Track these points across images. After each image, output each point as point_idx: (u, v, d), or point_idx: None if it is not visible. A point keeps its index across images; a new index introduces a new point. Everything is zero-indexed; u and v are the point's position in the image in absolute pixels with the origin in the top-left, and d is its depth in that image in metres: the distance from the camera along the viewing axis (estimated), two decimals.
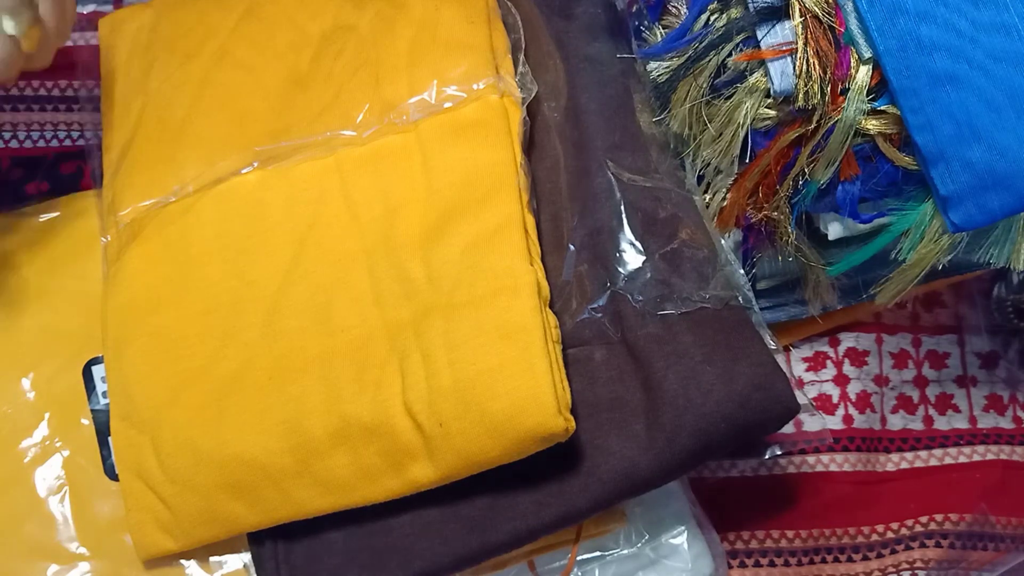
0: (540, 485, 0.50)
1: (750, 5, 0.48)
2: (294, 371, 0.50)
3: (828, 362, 0.66)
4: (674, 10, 0.52)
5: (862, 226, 0.52)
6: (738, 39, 0.49)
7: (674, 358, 0.49)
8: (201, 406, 0.51)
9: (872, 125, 0.47)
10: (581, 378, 0.51)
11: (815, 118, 0.48)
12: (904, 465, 0.64)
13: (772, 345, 0.51)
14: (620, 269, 0.51)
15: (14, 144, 0.66)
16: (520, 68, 0.55)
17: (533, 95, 0.55)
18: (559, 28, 0.58)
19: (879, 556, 0.62)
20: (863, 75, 0.47)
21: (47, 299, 0.57)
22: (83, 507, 0.54)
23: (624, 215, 0.52)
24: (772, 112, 0.49)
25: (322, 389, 0.50)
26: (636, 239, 0.52)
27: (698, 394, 0.48)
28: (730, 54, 0.49)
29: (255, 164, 0.55)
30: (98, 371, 0.55)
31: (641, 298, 0.51)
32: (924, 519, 0.63)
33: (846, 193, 0.50)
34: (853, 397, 0.65)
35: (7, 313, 0.56)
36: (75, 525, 0.53)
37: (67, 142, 0.67)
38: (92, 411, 0.55)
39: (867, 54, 0.47)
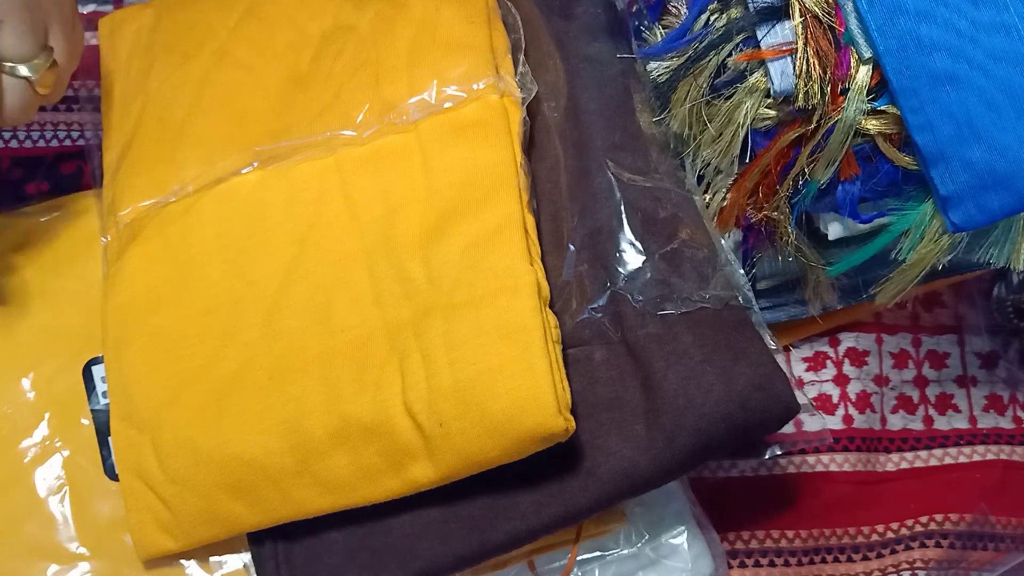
0: (540, 485, 0.50)
1: (750, 5, 0.48)
2: (294, 371, 0.50)
3: (828, 362, 0.66)
4: (674, 10, 0.52)
5: (862, 226, 0.52)
6: (738, 39, 0.49)
7: (674, 358, 0.49)
8: (201, 406, 0.51)
9: (872, 125, 0.47)
10: (581, 378, 0.51)
11: (815, 118, 0.48)
12: (904, 465, 0.64)
13: (772, 345, 0.51)
14: (620, 269, 0.51)
15: (14, 144, 0.66)
16: (520, 68, 0.55)
17: (533, 95, 0.55)
18: (559, 28, 0.58)
19: (879, 556, 0.62)
20: (863, 75, 0.47)
21: (47, 299, 0.57)
22: (83, 507, 0.54)
23: (624, 215, 0.52)
24: (772, 112, 0.49)
25: (322, 389, 0.50)
26: (636, 239, 0.52)
27: (698, 394, 0.48)
28: (730, 54, 0.49)
29: (255, 164, 0.55)
30: (98, 371, 0.55)
31: (641, 298, 0.51)
32: (924, 519, 0.63)
33: (846, 193, 0.50)
34: (853, 397, 0.65)
35: (7, 313, 0.56)
36: (75, 525, 0.53)
37: (67, 142, 0.67)
38: (92, 411, 0.55)
39: (867, 54, 0.47)
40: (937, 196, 0.48)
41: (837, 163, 0.49)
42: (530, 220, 0.51)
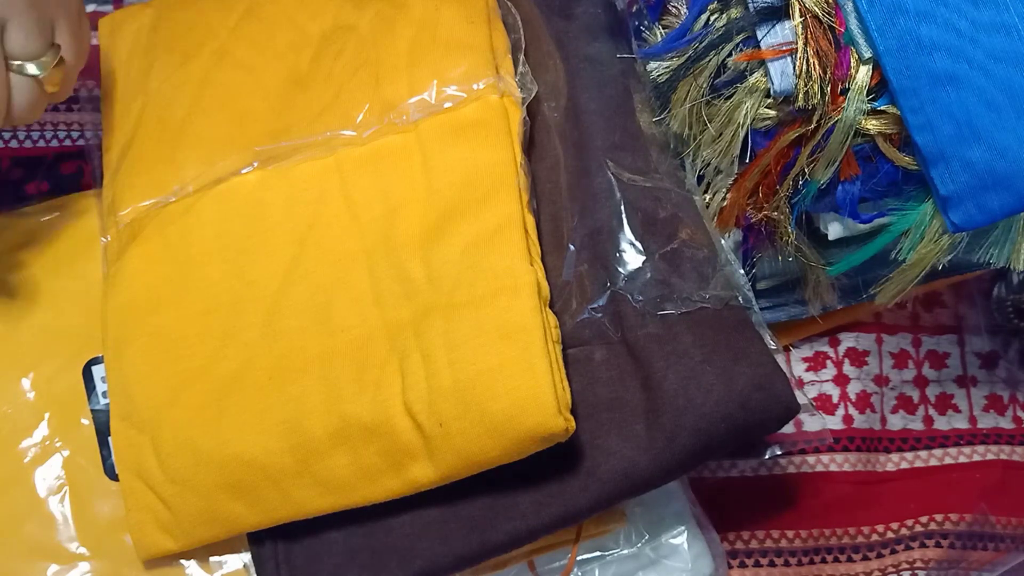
0: (540, 485, 0.50)
1: (750, 5, 0.48)
2: (294, 371, 0.50)
3: (828, 362, 0.66)
4: (674, 10, 0.52)
5: (862, 226, 0.52)
6: (738, 39, 0.49)
7: (674, 358, 0.49)
8: (201, 406, 0.51)
9: (872, 125, 0.47)
10: (581, 378, 0.51)
11: (815, 118, 0.48)
12: (904, 465, 0.64)
13: (772, 345, 0.51)
14: (620, 269, 0.51)
15: (14, 144, 0.66)
16: (520, 68, 0.55)
17: (533, 95, 0.55)
18: (559, 28, 0.58)
19: (879, 556, 0.62)
20: (863, 75, 0.47)
21: (47, 299, 0.57)
22: (83, 507, 0.54)
23: (624, 215, 0.52)
24: (772, 112, 0.49)
25: (322, 389, 0.50)
26: (636, 239, 0.52)
27: (698, 394, 0.48)
28: (730, 54, 0.49)
29: (255, 164, 0.55)
30: (98, 371, 0.55)
31: (641, 298, 0.51)
32: (924, 519, 0.63)
33: (846, 193, 0.50)
34: (853, 397, 0.65)
35: (7, 313, 0.56)
36: (75, 525, 0.53)
37: (67, 142, 0.67)
38: (92, 411, 0.55)
39: (867, 54, 0.47)
40: (937, 196, 0.48)
41: (837, 163, 0.49)
42: (530, 220, 0.51)
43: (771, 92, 0.48)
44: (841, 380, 0.65)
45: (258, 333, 0.52)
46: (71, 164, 0.66)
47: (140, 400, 0.52)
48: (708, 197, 0.54)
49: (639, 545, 0.56)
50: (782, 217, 0.52)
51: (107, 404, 0.54)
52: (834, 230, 0.54)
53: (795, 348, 0.66)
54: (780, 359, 0.50)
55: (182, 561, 0.53)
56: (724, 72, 0.50)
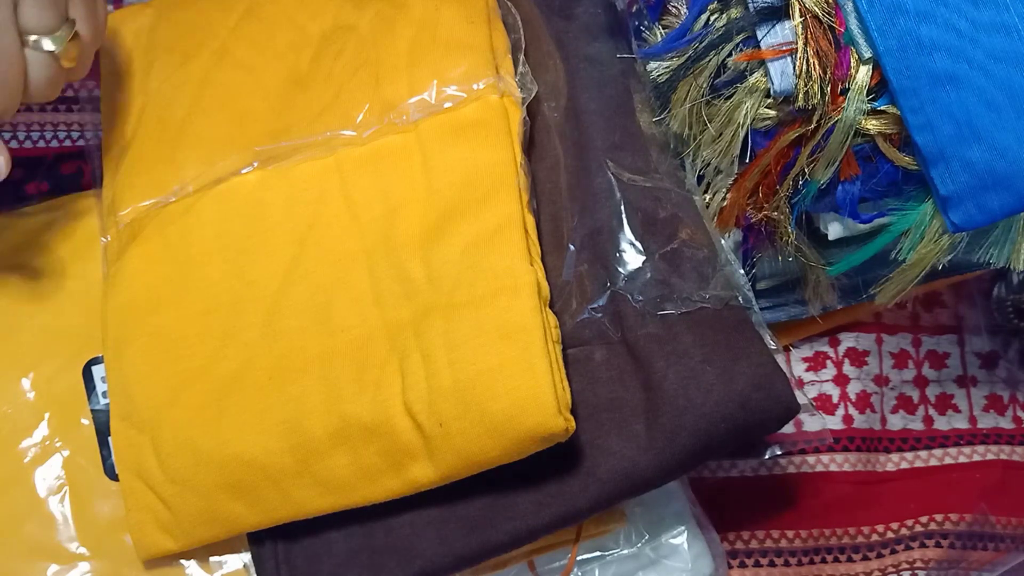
0: (540, 485, 0.50)
1: (750, 5, 0.48)
2: (294, 371, 0.50)
3: (828, 362, 0.66)
4: (674, 10, 0.52)
5: (862, 226, 0.52)
6: (738, 39, 0.49)
7: (674, 358, 0.49)
8: (201, 406, 0.51)
9: (872, 125, 0.47)
10: (581, 378, 0.51)
11: (815, 118, 0.48)
12: (904, 465, 0.64)
13: (772, 345, 0.51)
14: (620, 269, 0.51)
15: (14, 144, 0.66)
16: (520, 68, 0.55)
17: (533, 95, 0.55)
18: (559, 28, 0.58)
19: (879, 556, 0.62)
20: (863, 75, 0.47)
21: (47, 299, 0.57)
22: (83, 507, 0.54)
23: (624, 215, 0.52)
24: (772, 112, 0.49)
25: (322, 389, 0.50)
26: (636, 239, 0.52)
27: (698, 394, 0.48)
28: (730, 54, 0.49)
29: (255, 164, 0.55)
30: (98, 371, 0.55)
31: (641, 298, 0.51)
32: (924, 519, 0.63)
33: (846, 193, 0.50)
34: (853, 397, 0.65)
35: (7, 313, 0.56)
36: (75, 525, 0.53)
37: (67, 142, 0.67)
38: (92, 411, 0.55)
39: (867, 54, 0.47)
40: (937, 196, 0.48)
41: (837, 163, 0.49)
42: (530, 220, 0.51)
43: (771, 92, 0.48)
44: (841, 380, 0.65)
45: (258, 333, 0.52)
46: (71, 164, 0.66)
47: (140, 400, 0.52)
48: (708, 197, 0.54)
49: (639, 545, 0.56)
50: (782, 217, 0.52)
51: (107, 404, 0.54)
52: (834, 230, 0.54)
53: (795, 348, 0.66)
54: (780, 359, 0.50)
55: (182, 561, 0.53)
56: (724, 72, 0.50)
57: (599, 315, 0.51)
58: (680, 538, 0.57)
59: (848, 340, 0.66)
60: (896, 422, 0.65)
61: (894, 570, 0.62)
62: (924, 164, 0.48)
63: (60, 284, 0.57)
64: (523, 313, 0.48)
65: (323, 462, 0.49)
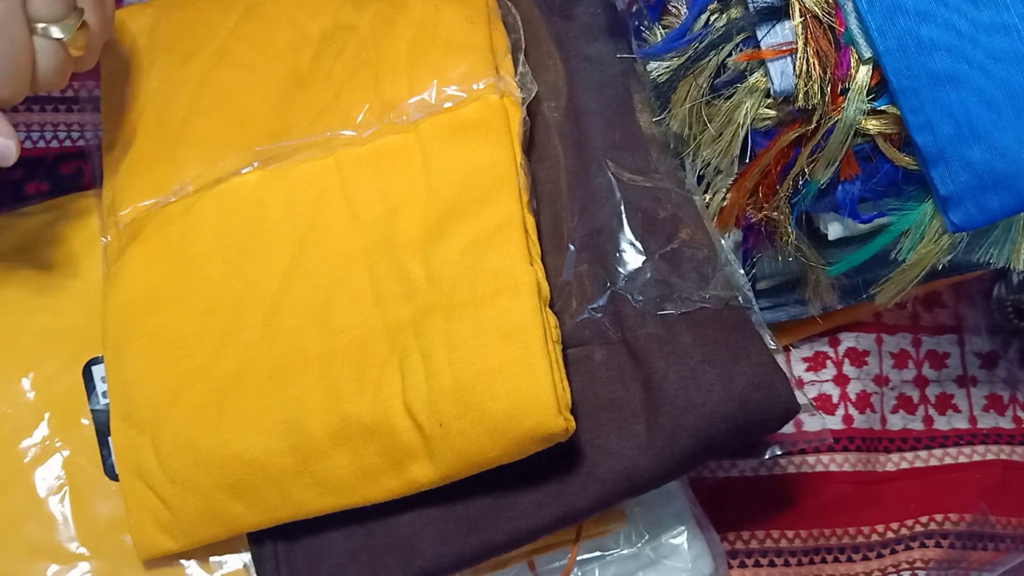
0: (540, 485, 0.50)
1: (750, 5, 0.48)
2: (294, 371, 0.50)
3: (828, 362, 0.66)
4: (674, 10, 0.52)
5: (862, 226, 0.52)
6: (738, 39, 0.49)
7: (674, 358, 0.49)
8: (201, 406, 0.51)
9: (872, 125, 0.47)
10: (581, 378, 0.51)
11: (815, 118, 0.48)
12: (904, 465, 0.64)
13: (772, 345, 0.51)
14: (620, 269, 0.51)
15: None
16: (520, 68, 0.55)
17: (533, 95, 0.55)
18: (559, 28, 0.58)
19: (879, 556, 0.62)
20: (863, 75, 0.47)
21: (47, 299, 0.57)
22: (83, 507, 0.54)
23: (624, 215, 0.52)
24: (772, 112, 0.49)
25: (322, 389, 0.50)
26: (636, 239, 0.52)
27: (698, 394, 0.48)
28: (730, 54, 0.49)
29: (255, 164, 0.55)
30: (98, 371, 0.55)
31: (641, 298, 0.51)
32: (924, 519, 0.63)
33: (846, 193, 0.50)
34: (853, 397, 0.65)
35: (7, 313, 0.56)
36: (75, 525, 0.53)
37: (67, 142, 0.67)
38: (92, 411, 0.55)
39: (867, 54, 0.47)
40: (937, 196, 0.48)
41: (837, 163, 0.49)
42: (530, 220, 0.51)
43: (771, 92, 0.48)
44: (841, 380, 0.65)
45: (258, 333, 0.52)
46: (71, 164, 0.66)
47: (140, 400, 0.52)
48: (708, 197, 0.54)
49: (639, 545, 0.56)
50: (782, 217, 0.52)
51: (107, 404, 0.54)
52: (834, 230, 0.54)
53: (795, 348, 0.66)
54: (780, 359, 0.50)
55: (182, 561, 0.53)
56: (724, 72, 0.50)
57: (599, 315, 0.51)
58: (680, 538, 0.57)
59: (848, 340, 0.66)
60: (896, 422, 0.65)
61: (894, 570, 0.62)
62: (924, 164, 0.48)
63: (60, 284, 0.57)
64: (523, 313, 0.48)
65: (323, 462, 0.49)
